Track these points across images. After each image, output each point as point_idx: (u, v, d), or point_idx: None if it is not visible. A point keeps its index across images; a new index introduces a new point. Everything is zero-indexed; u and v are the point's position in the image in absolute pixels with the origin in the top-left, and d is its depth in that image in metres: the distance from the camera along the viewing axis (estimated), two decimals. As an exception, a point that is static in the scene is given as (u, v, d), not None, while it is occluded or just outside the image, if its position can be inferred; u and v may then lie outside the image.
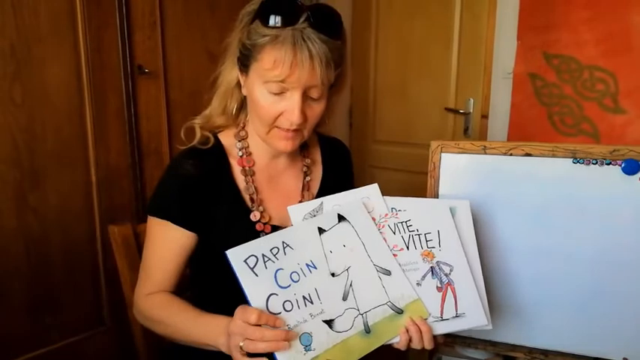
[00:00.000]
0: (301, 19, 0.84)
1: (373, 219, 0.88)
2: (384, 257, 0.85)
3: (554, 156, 0.96)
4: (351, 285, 0.82)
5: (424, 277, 0.86)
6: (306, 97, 0.88)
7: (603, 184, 0.94)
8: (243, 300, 0.95)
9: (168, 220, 0.93)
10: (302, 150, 1.07)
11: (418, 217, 0.90)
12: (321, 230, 0.84)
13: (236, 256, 0.78)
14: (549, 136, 2.02)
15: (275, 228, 0.96)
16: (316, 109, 0.91)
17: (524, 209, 0.98)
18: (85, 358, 1.85)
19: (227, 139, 1.01)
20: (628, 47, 1.83)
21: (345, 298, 0.81)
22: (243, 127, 1.01)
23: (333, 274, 0.82)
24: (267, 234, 0.95)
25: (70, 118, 1.75)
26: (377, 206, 0.90)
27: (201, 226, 0.95)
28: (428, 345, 0.82)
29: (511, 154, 0.98)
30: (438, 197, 1.02)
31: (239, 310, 0.77)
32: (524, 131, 2.09)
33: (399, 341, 0.82)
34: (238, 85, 0.97)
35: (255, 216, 0.96)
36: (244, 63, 0.91)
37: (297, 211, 0.87)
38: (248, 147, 1.00)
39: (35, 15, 1.63)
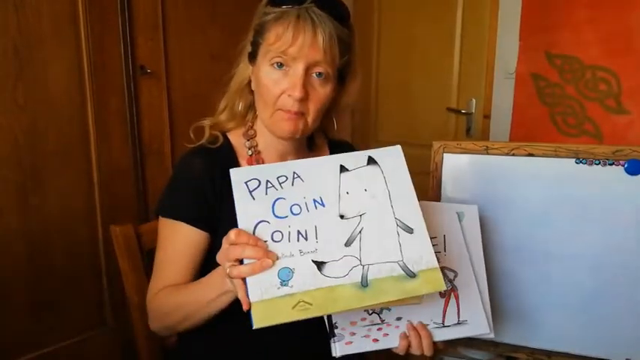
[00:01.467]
0: (308, 0, 0.86)
1: None
2: (409, 213, 0.76)
3: (556, 156, 0.96)
4: (360, 232, 0.74)
5: None
6: (309, 75, 0.88)
7: (606, 184, 0.93)
8: None
9: (180, 220, 0.92)
10: (310, 151, 1.06)
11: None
12: (342, 169, 0.79)
13: (238, 175, 0.76)
14: (552, 136, 2.02)
15: None
16: (320, 92, 0.90)
17: (526, 210, 0.98)
18: (86, 359, 1.85)
19: (236, 138, 1.00)
20: (630, 47, 1.83)
21: (348, 245, 0.73)
22: (252, 126, 1.00)
23: (342, 217, 0.75)
24: None
25: (72, 119, 1.75)
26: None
27: (212, 226, 0.94)
28: (427, 351, 0.81)
29: (513, 155, 0.98)
30: (440, 197, 1.02)
31: (224, 239, 0.75)
32: (526, 131, 2.09)
33: (397, 346, 0.81)
34: (249, 85, 0.97)
35: None
36: (254, 50, 0.92)
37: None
38: (257, 146, 0.99)
39: (37, 16, 1.63)
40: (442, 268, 0.81)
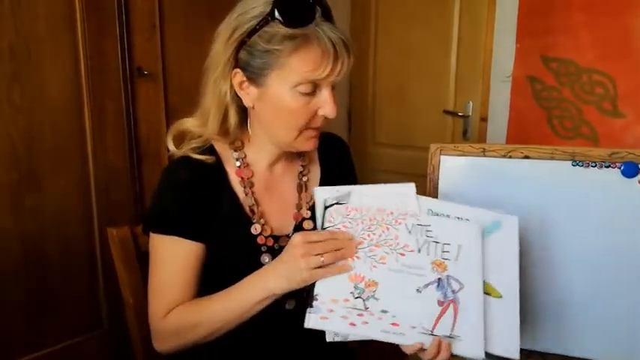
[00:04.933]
0: (317, 14, 0.81)
1: (391, 213, 0.83)
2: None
3: (553, 159, 0.96)
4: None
5: (427, 285, 0.80)
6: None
7: (602, 186, 0.93)
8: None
9: (174, 234, 0.88)
10: (301, 154, 1.03)
11: (440, 226, 0.84)
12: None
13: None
14: (548, 139, 2.03)
15: (276, 238, 0.94)
16: (336, 101, 0.89)
17: (522, 212, 0.98)
18: (82, 361, 1.84)
19: (221, 146, 0.96)
20: (626, 51, 1.84)
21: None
22: (240, 139, 0.97)
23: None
24: (268, 247, 0.92)
25: (69, 120, 1.75)
26: (407, 205, 0.85)
27: (205, 236, 0.91)
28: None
29: (510, 157, 0.98)
30: (437, 198, 1.00)
31: (296, 236, 0.79)
32: (523, 134, 2.10)
33: (373, 338, 0.78)
34: (232, 100, 0.91)
35: (255, 229, 0.92)
36: (256, 73, 0.86)
37: (322, 194, 0.84)
38: (245, 157, 0.96)
39: (34, 16, 1.63)
40: (448, 276, 0.81)
